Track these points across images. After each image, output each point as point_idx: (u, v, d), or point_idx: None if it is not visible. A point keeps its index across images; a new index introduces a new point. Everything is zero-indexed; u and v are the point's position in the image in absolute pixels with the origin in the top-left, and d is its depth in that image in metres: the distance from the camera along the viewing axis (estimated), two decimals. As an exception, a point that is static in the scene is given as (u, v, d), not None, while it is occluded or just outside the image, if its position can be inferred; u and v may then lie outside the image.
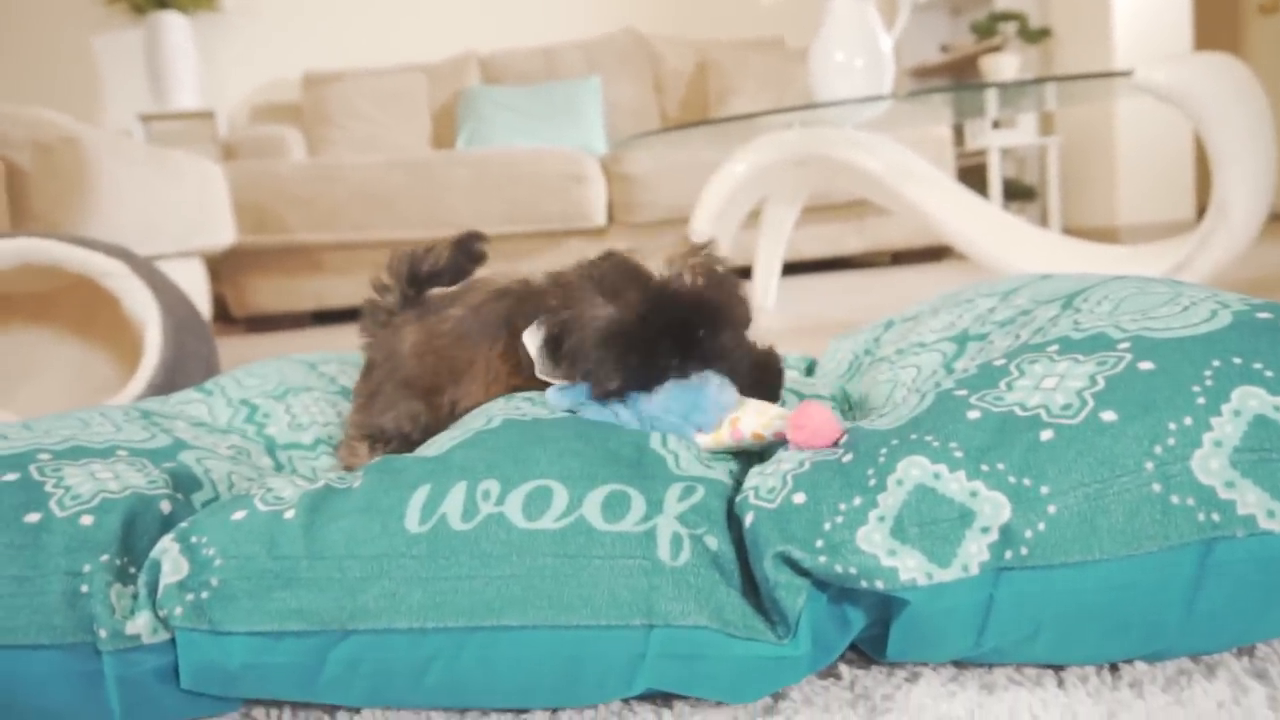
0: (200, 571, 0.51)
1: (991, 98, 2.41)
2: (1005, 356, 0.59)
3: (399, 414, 0.80)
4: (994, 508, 0.47)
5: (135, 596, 0.51)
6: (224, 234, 2.94)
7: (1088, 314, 0.65)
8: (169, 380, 1.22)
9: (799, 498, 0.51)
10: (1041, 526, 0.47)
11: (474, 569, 0.50)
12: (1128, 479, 0.47)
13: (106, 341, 1.52)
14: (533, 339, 0.70)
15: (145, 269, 1.27)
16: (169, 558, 0.51)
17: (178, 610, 0.50)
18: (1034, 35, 4.38)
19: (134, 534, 0.53)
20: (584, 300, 0.66)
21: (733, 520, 0.53)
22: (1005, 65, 4.06)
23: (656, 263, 0.68)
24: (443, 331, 0.80)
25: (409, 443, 0.78)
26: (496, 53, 4.32)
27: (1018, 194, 4.54)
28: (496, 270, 0.90)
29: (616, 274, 0.66)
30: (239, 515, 0.53)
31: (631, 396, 0.66)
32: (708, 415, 0.63)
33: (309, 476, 0.74)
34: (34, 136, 1.78)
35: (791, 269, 3.73)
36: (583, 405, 0.68)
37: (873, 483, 0.50)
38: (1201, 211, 4.20)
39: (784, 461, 0.55)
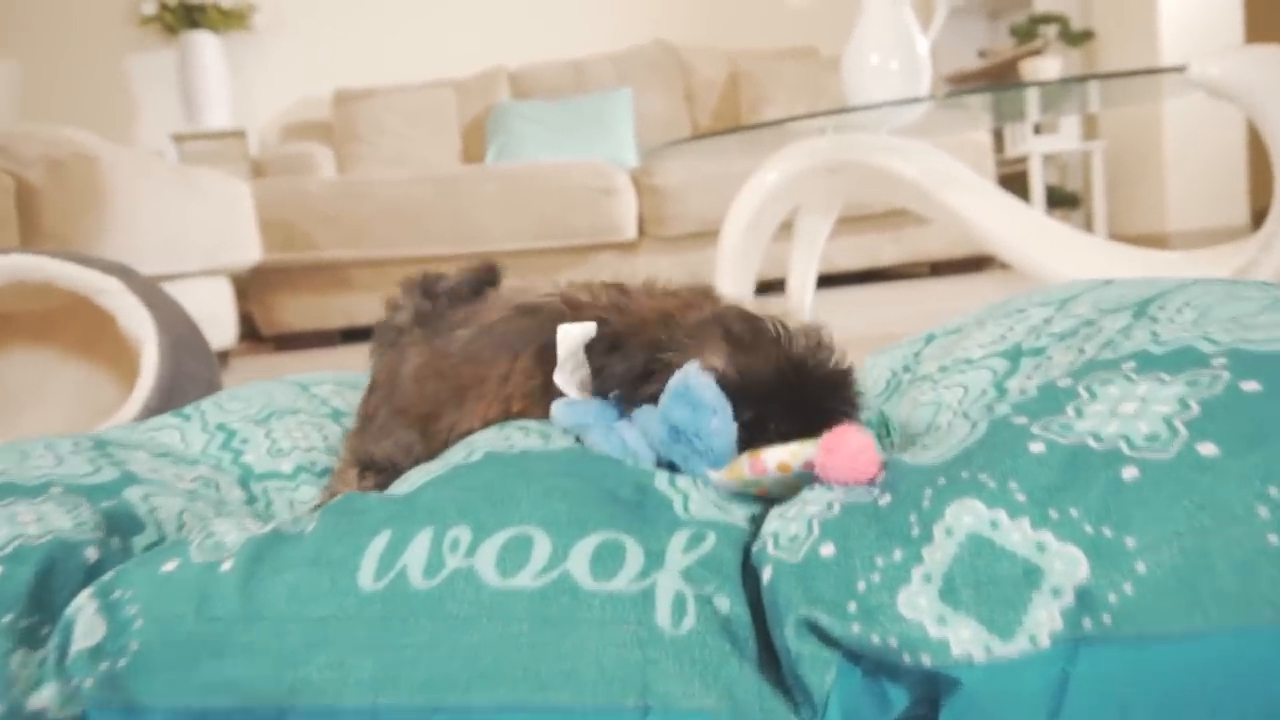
0: (118, 634, 0.43)
1: (1034, 98, 2.30)
2: (1071, 376, 0.49)
3: (392, 443, 0.73)
4: (1067, 564, 0.38)
5: (43, 663, 0.44)
6: (250, 252, 2.91)
7: (1167, 324, 0.56)
8: (165, 402, 1.16)
9: (827, 549, 0.42)
10: (1128, 588, 0.38)
11: (436, 635, 0.42)
12: (1237, 529, 0.38)
13: (110, 362, 1.47)
14: (574, 335, 0.62)
15: (142, 285, 1.21)
16: (84, 617, 0.44)
17: (89, 682, 0.42)
18: (1076, 38, 4.24)
19: (49, 588, 0.46)
20: (706, 342, 0.59)
21: (749, 574, 0.45)
22: (1047, 69, 3.93)
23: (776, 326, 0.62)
24: (449, 353, 0.72)
25: (400, 475, 0.70)
26: (526, 67, 4.28)
27: (1061, 201, 4.40)
28: (525, 283, 0.83)
29: (747, 327, 0.59)
30: (169, 566, 0.46)
31: (642, 415, 0.58)
32: (721, 440, 0.54)
33: (265, 517, 0.66)
34: (46, 153, 1.74)
35: (826, 281, 3.63)
36: (588, 427, 0.60)
37: (916, 532, 0.41)
38: (1256, 216, 4.04)
39: (809, 503, 0.46)
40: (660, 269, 3.56)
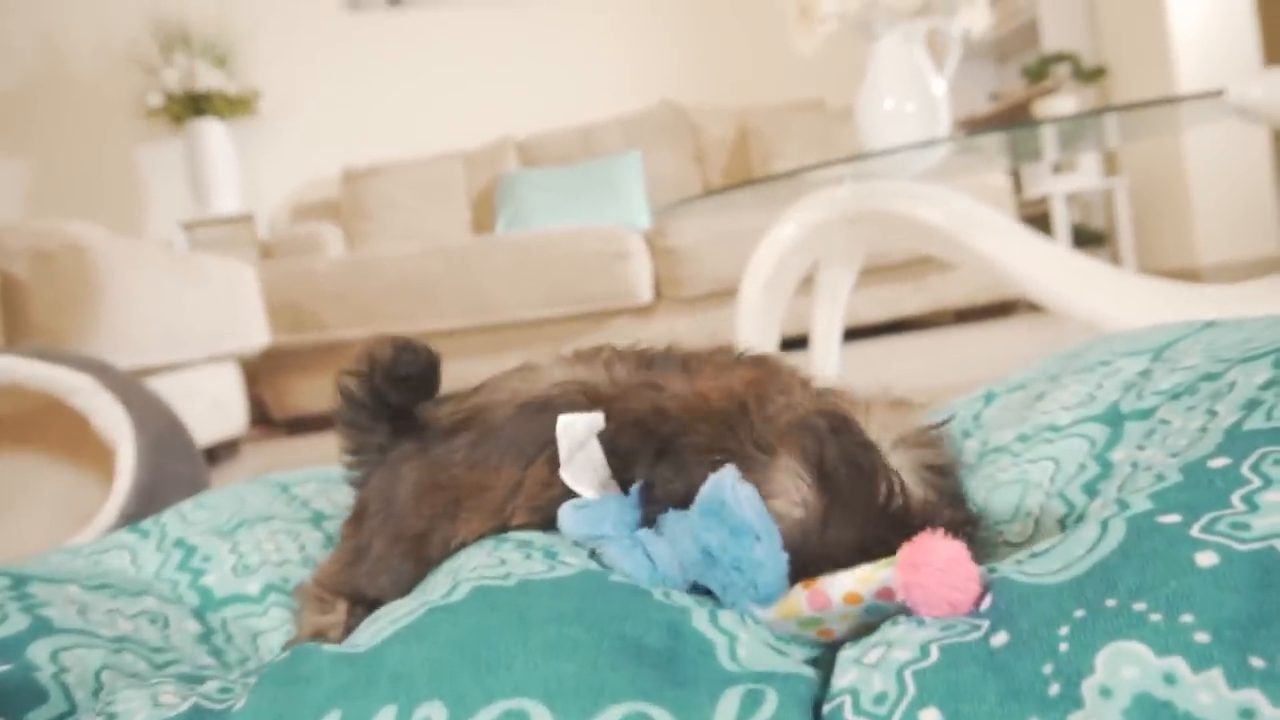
0: None
1: (1056, 134, 2.21)
2: (1221, 452, 0.38)
3: (389, 579, 0.61)
4: (1292, 742, 0.27)
5: None
6: (257, 336, 2.84)
7: None
8: (145, 507, 1.06)
9: (930, 716, 0.31)
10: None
11: None
12: None
13: (96, 464, 1.37)
14: (578, 429, 0.51)
15: (119, 382, 1.12)
16: None
17: None
18: (1089, 75, 4.18)
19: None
20: (782, 471, 0.46)
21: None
22: (1061, 107, 3.86)
23: (881, 433, 0.47)
24: (452, 462, 0.60)
25: None
26: (534, 135, 4.25)
27: (1086, 240, 4.29)
28: (526, 360, 0.71)
29: (844, 456, 0.44)
30: (54, 769, 0.35)
31: (671, 524, 0.47)
32: (769, 573, 0.42)
33: (224, 655, 0.55)
34: (34, 245, 1.67)
35: (849, 334, 3.52)
36: (605, 538, 0.49)
37: (1056, 690, 0.30)
38: (1292, 245, 3.91)
39: (895, 644, 0.35)
40: (678, 331, 3.47)
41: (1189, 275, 3.94)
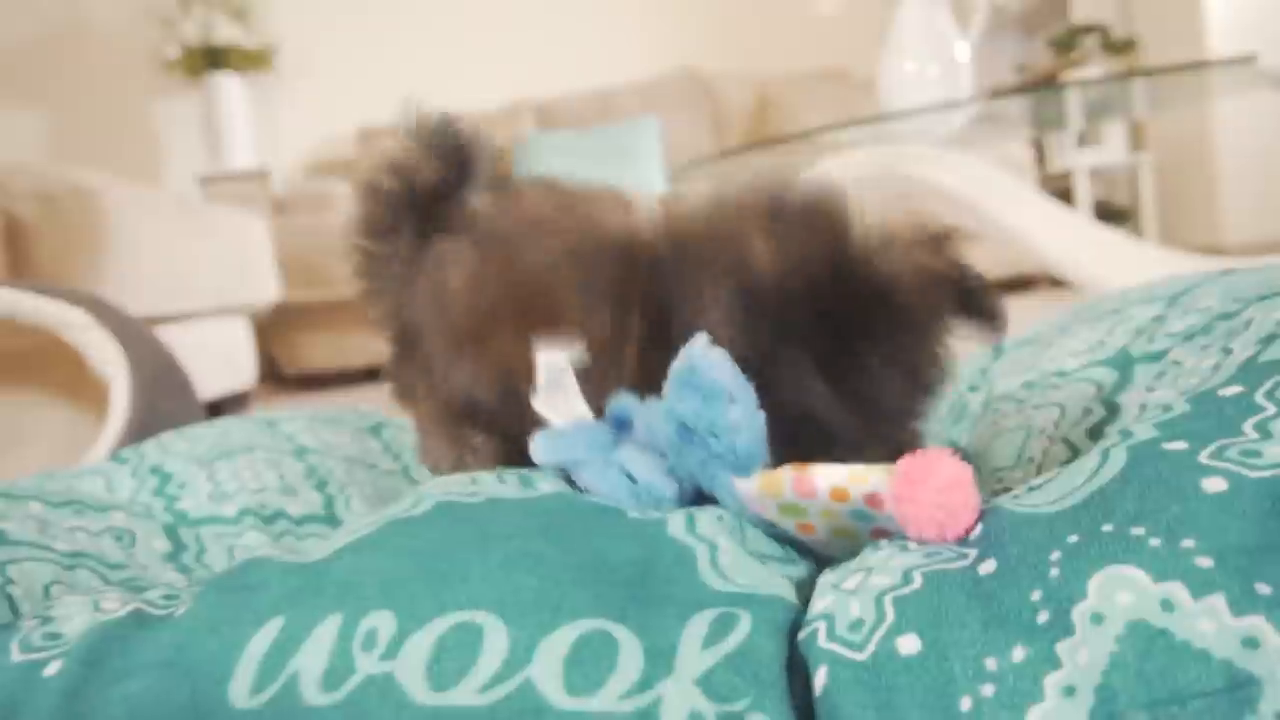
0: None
1: (1084, 99, 2.15)
2: (1235, 381, 0.35)
3: (469, 375, 0.55)
4: (1298, 672, 0.24)
5: None
6: (267, 290, 2.83)
7: None
8: (138, 447, 1.04)
9: (908, 643, 0.29)
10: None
11: (335, 779, 0.28)
12: None
13: (97, 405, 1.36)
14: (554, 360, 0.49)
15: (116, 319, 1.10)
16: None
17: None
18: (1118, 47, 4.08)
19: None
20: (740, 234, 0.44)
21: (798, 673, 0.31)
22: (1089, 78, 3.77)
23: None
24: (526, 261, 0.54)
25: (506, 424, 0.55)
26: (552, 98, 4.21)
27: (1109, 216, 4.21)
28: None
29: (806, 214, 0.43)
30: (-20, 671, 0.33)
31: (644, 415, 0.45)
32: (746, 436, 0.40)
33: (195, 570, 0.54)
34: (39, 188, 1.66)
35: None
36: (580, 463, 0.47)
37: (1045, 618, 0.27)
38: (1322, 225, 3.82)
39: (876, 569, 0.33)
40: (691, 298, 3.45)
41: (1213, 255, 3.87)
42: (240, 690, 0.31)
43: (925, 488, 0.34)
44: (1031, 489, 0.36)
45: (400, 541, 0.37)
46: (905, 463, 0.35)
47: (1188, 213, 4.06)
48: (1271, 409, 0.32)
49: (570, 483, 0.48)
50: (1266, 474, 0.29)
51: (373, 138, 4.03)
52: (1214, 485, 0.29)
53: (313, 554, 0.38)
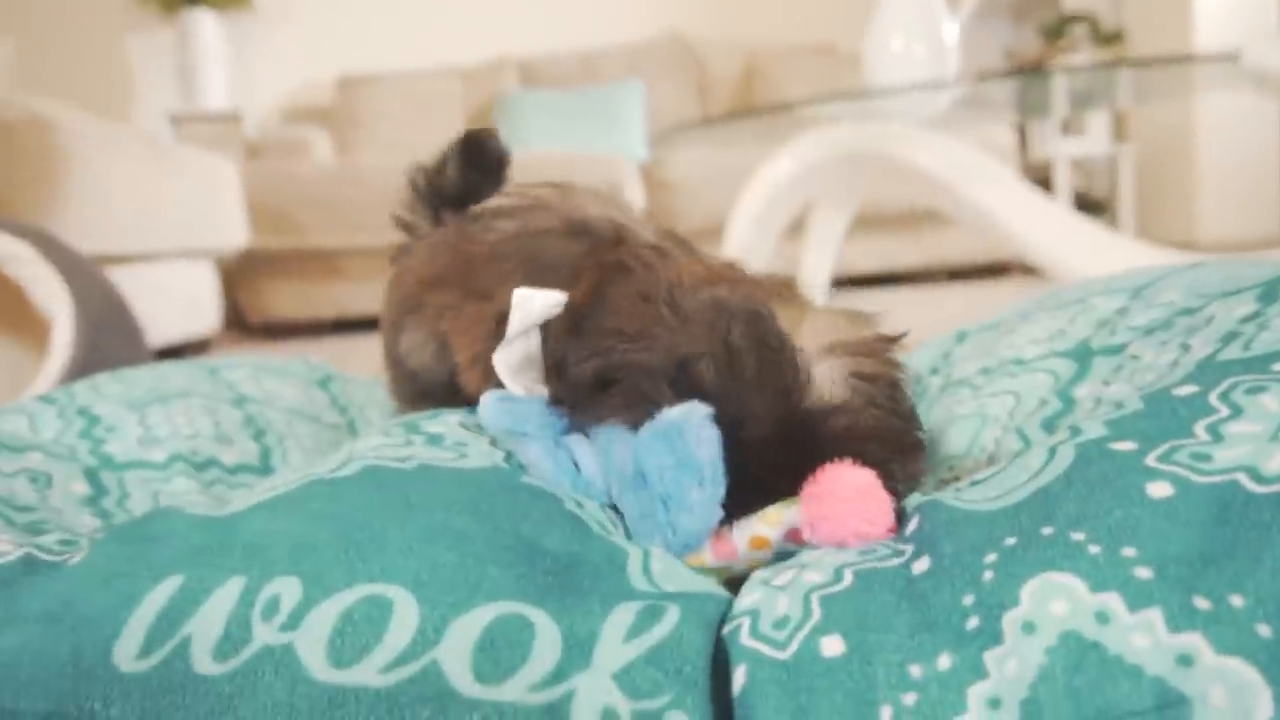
0: None
1: (1065, 88, 2.14)
2: (1189, 380, 0.34)
3: (411, 341, 0.61)
4: (1233, 692, 0.23)
5: None
6: (235, 235, 2.77)
7: None
8: (82, 390, 1.01)
9: (832, 644, 0.27)
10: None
11: (222, 757, 0.27)
12: None
13: (42, 340, 1.32)
14: (535, 305, 0.47)
15: (61, 255, 1.06)
16: None
17: None
18: (1107, 38, 4.08)
19: None
20: (692, 347, 0.42)
21: (715, 673, 0.30)
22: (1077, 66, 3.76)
23: (811, 340, 0.42)
24: (481, 240, 0.58)
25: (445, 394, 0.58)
26: (535, 56, 4.14)
27: (1087, 207, 4.22)
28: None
29: (760, 355, 0.41)
30: None
31: (609, 435, 0.43)
32: (696, 519, 0.38)
33: (113, 516, 0.51)
34: (-5, 116, 1.60)
35: (840, 283, 3.47)
36: (526, 437, 0.45)
37: (974, 624, 0.26)
38: (1295, 227, 3.86)
39: (809, 566, 0.31)
40: (667, 266, 3.42)
41: (1188, 250, 3.89)
42: (127, 651, 0.29)
43: (833, 500, 0.33)
44: (975, 483, 0.34)
45: (319, 504, 0.35)
46: (808, 486, 0.34)
47: (1164, 207, 4.08)
48: (1225, 411, 0.31)
49: (507, 455, 0.46)
50: (1215, 479, 0.28)
51: (352, 86, 3.95)
52: (1159, 490, 0.28)
53: (226, 508, 0.36)
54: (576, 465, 0.43)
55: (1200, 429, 0.30)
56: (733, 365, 0.39)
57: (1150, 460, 0.29)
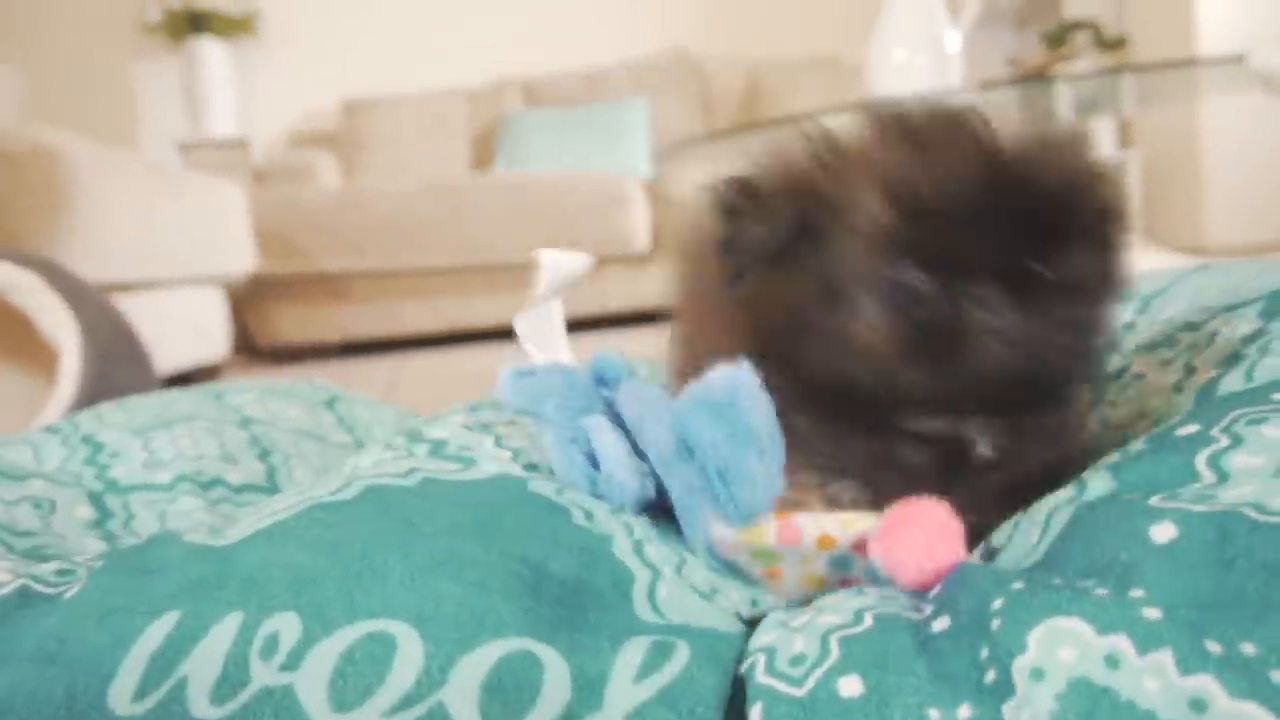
0: None
1: (1069, 95, 2.14)
2: (1190, 418, 0.34)
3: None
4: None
5: None
6: (242, 261, 2.79)
7: None
8: (89, 420, 1.01)
9: (850, 685, 0.27)
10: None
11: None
12: None
13: (48, 374, 1.32)
14: (563, 267, 0.46)
15: (68, 284, 1.07)
16: None
17: None
18: (1110, 44, 4.07)
19: None
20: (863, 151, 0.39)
21: (731, 713, 0.29)
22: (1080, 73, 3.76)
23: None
24: None
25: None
26: (539, 76, 4.16)
27: (1094, 215, 4.21)
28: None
29: (935, 120, 0.38)
30: None
31: (644, 403, 0.42)
32: (757, 492, 0.36)
33: (119, 538, 0.51)
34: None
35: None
36: (545, 419, 0.44)
37: (992, 677, 0.25)
38: (1302, 232, 3.84)
39: (827, 609, 0.31)
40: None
41: (1196, 256, 3.88)
42: (122, 693, 0.29)
43: (915, 529, 0.32)
44: (997, 545, 0.34)
45: (318, 532, 0.35)
46: (898, 507, 0.34)
47: (1171, 213, 4.07)
48: (1227, 442, 0.30)
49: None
50: (1219, 508, 0.27)
51: (356, 110, 3.97)
52: (1163, 532, 0.27)
53: (225, 535, 0.36)
54: (593, 459, 0.42)
55: (1202, 463, 0.30)
56: (912, 133, 0.37)
57: (1155, 500, 0.29)
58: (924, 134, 0.37)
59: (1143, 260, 1.44)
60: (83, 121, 4.06)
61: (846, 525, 0.36)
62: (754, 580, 0.38)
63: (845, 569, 0.36)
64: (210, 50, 4.04)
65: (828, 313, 0.38)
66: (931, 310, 0.36)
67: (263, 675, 0.29)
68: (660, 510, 0.42)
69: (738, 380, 0.37)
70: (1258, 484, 0.28)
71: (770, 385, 0.37)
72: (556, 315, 0.48)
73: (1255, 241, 3.82)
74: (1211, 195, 3.87)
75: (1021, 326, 0.35)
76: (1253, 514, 0.27)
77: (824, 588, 0.37)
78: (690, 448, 0.38)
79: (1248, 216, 3.88)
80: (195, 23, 4.01)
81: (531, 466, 0.44)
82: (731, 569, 0.38)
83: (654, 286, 3.40)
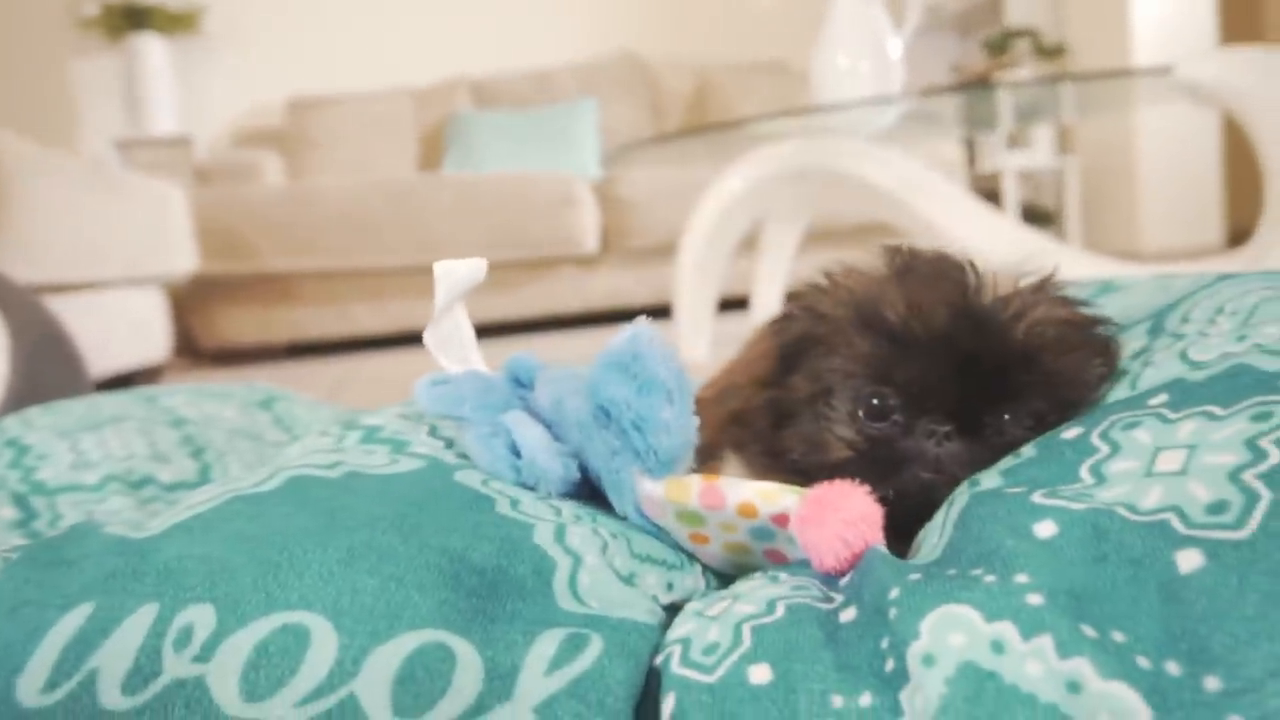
0: None
1: (1010, 102, 2.19)
2: (1074, 423, 0.35)
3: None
4: (1118, 717, 0.24)
5: None
6: (183, 261, 2.73)
7: (1199, 339, 0.41)
8: (19, 423, 0.99)
9: (759, 673, 0.28)
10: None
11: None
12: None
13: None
14: (458, 275, 0.47)
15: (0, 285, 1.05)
16: None
17: None
18: (1049, 52, 4.17)
19: None
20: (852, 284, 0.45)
21: (648, 703, 0.30)
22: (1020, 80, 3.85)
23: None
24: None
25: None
26: (488, 76, 4.14)
27: (1034, 218, 4.31)
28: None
29: (928, 265, 0.43)
30: None
31: (557, 383, 0.43)
32: (673, 438, 0.38)
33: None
34: (-70, 145, 1.57)
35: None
36: (464, 421, 0.45)
37: (891, 665, 0.27)
38: (1231, 236, 3.97)
39: (742, 597, 0.32)
40: (623, 284, 3.42)
41: (1132, 259, 3.98)
42: (32, 685, 0.29)
43: (834, 516, 0.33)
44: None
45: (238, 524, 0.35)
46: (820, 490, 0.35)
47: (1109, 217, 4.18)
48: (1106, 450, 0.32)
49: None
50: (1095, 505, 0.29)
51: (302, 108, 3.92)
52: (1045, 528, 0.29)
53: (147, 527, 0.36)
54: (515, 449, 0.43)
55: (1084, 470, 0.32)
56: (907, 268, 0.41)
57: (1036, 498, 0.31)
58: (917, 273, 0.42)
59: (1079, 266, 1.48)
60: (18, 120, 3.95)
61: (768, 498, 0.37)
62: (683, 545, 0.39)
63: (768, 540, 0.37)
64: (151, 47, 3.95)
65: (810, 408, 0.43)
66: (882, 429, 0.41)
67: (175, 667, 0.29)
68: (592, 496, 0.43)
69: (638, 335, 0.39)
70: (1130, 485, 0.29)
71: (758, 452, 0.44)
72: (464, 323, 0.48)
73: (1188, 245, 3.94)
74: (1147, 200, 3.98)
75: (964, 458, 0.39)
76: (1124, 513, 0.28)
77: (749, 556, 0.38)
78: (606, 410, 0.39)
79: (1181, 221, 4.00)
80: (135, 18, 3.93)
81: (464, 456, 0.45)
82: (660, 540, 0.39)
83: (603, 287, 3.41)
